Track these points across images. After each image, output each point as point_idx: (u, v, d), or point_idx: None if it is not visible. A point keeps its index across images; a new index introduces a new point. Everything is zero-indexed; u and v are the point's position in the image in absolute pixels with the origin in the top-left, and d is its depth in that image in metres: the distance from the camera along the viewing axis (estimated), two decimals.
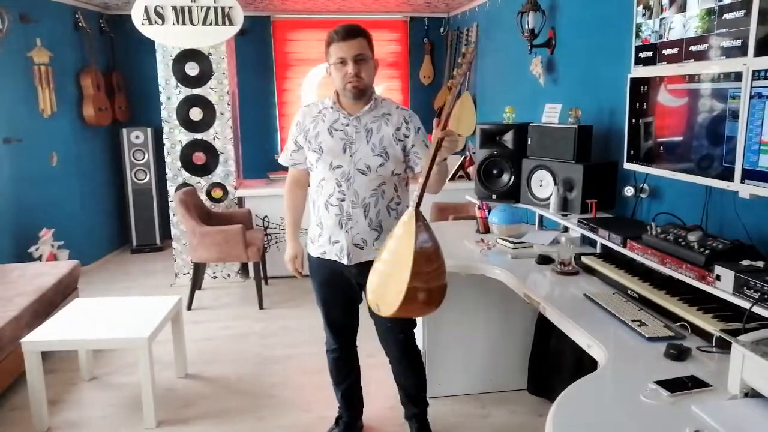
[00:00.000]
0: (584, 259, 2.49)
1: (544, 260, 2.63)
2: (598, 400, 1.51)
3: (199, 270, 4.48)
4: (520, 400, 3.02)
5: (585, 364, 2.48)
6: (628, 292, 2.14)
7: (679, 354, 1.66)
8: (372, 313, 2.31)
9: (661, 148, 2.36)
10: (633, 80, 2.48)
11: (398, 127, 2.27)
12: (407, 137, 2.28)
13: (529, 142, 3.20)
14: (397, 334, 2.45)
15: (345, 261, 2.32)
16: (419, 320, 2.93)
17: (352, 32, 2.18)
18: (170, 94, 4.80)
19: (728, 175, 1.96)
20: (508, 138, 3.32)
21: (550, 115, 3.26)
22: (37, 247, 4.58)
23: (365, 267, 2.24)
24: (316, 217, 2.37)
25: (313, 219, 2.40)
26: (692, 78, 2.13)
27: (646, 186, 2.68)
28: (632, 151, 2.52)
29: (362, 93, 2.23)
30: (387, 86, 6.43)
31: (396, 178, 2.33)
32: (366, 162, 2.25)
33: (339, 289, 2.44)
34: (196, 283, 4.47)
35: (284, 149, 2.45)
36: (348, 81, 2.19)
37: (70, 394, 3.12)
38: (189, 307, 4.31)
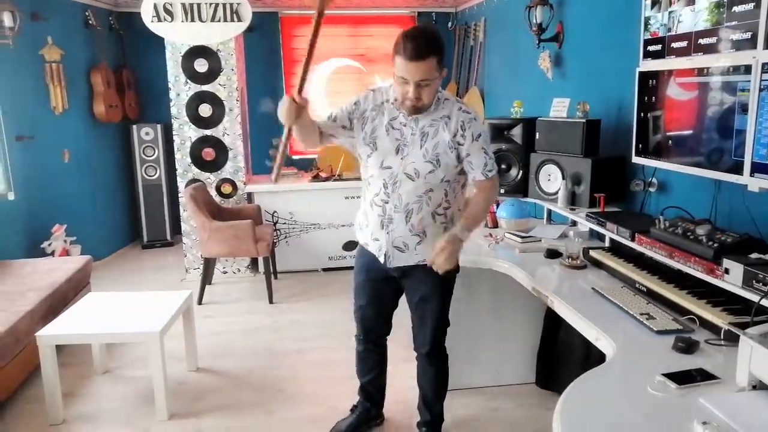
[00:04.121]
0: (592, 252, 2.50)
1: (553, 254, 2.63)
2: (605, 393, 1.52)
3: (209, 265, 4.52)
4: (529, 393, 3.03)
5: (593, 358, 2.49)
6: (637, 285, 2.14)
7: (687, 347, 1.67)
8: (411, 301, 2.38)
9: (670, 141, 2.35)
10: (641, 74, 2.48)
11: (455, 133, 2.12)
12: (461, 145, 2.13)
13: (537, 137, 3.21)
14: (435, 328, 2.40)
15: (382, 260, 2.28)
16: None
17: (421, 54, 1.95)
18: (180, 90, 4.82)
19: (738, 169, 1.95)
20: (516, 132, 3.33)
21: (558, 109, 3.26)
22: (49, 243, 4.64)
23: (408, 271, 2.29)
24: (364, 208, 2.33)
25: (361, 207, 2.37)
26: (701, 71, 2.13)
27: (654, 180, 2.68)
28: (641, 145, 2.51)
29: (418, 111, 2.11)
30: None
31: (446, 184, 2.19)
32: (415, 167, 2.15)
33: (376, 281, 2.39)
34: (207, 278, 4.51)
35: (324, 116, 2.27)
36: (406, 99, 2.06)
37: (83, 387, 3.17)
38: (200, 302, 4.35)
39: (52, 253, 4.61)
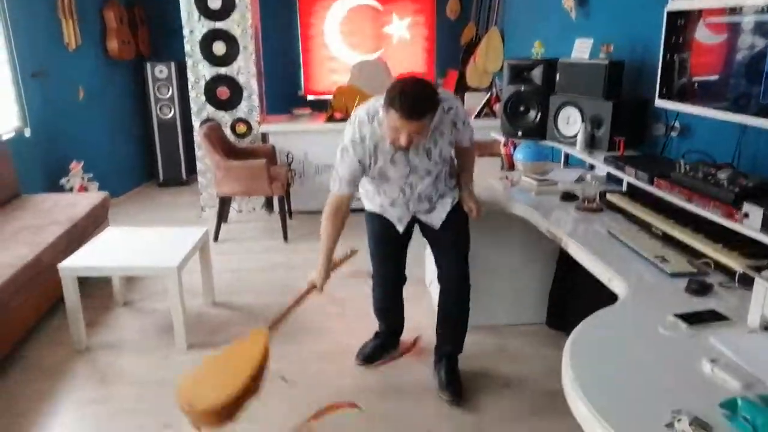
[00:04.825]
0: (609, 196, 2.48)
1: (569, 197, 2.62)
2: (616, 332, 1.53)
3: (224, 204, 4.56)
4: (539, 332, 3.08)
5: (605, 300, 2.51)
6: (653, 229, 2.14)
7: (700, 289, 1.68)
8: (428, 230, 2.51)
9: (696, 85, 2.29)
10: (670, 13, 2.39)
11: (451, 131, 2.27)
12: (457, 133, 2.31)
13: (557, 78, 3.13)
14: (463, 251, 2.53)
15: (400, 229, 2.49)
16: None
17: (417, 114, 1.99)
18: (193, 27, 4.74)
19: (766, 113, 1.90)
20: (536, 74, 3.25)
21: (581, 50, 3.17)
22: (68, 179, 4.69)
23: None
24: (380, 199, 2.45)
25: (372, 191, 2.46)
26: (733, 10, 2.04)
27: (677, 124, 2.63)
28: (665, 88, 2.45)
29: (409, 148, 2.15)
30: (412, 21, 6.26)
31: (449, 160, 2.44)
32: (427, 168, 2.31)
33: (392, 236, 2.55)
34: (222, 217, 4.56)
35: (335, 180, 2.30)
36: (396, 142, 2.10)
37: (105, 317, 3.27)
38: (215, 239, 4.42)
39: (71, 190, 4.68)
